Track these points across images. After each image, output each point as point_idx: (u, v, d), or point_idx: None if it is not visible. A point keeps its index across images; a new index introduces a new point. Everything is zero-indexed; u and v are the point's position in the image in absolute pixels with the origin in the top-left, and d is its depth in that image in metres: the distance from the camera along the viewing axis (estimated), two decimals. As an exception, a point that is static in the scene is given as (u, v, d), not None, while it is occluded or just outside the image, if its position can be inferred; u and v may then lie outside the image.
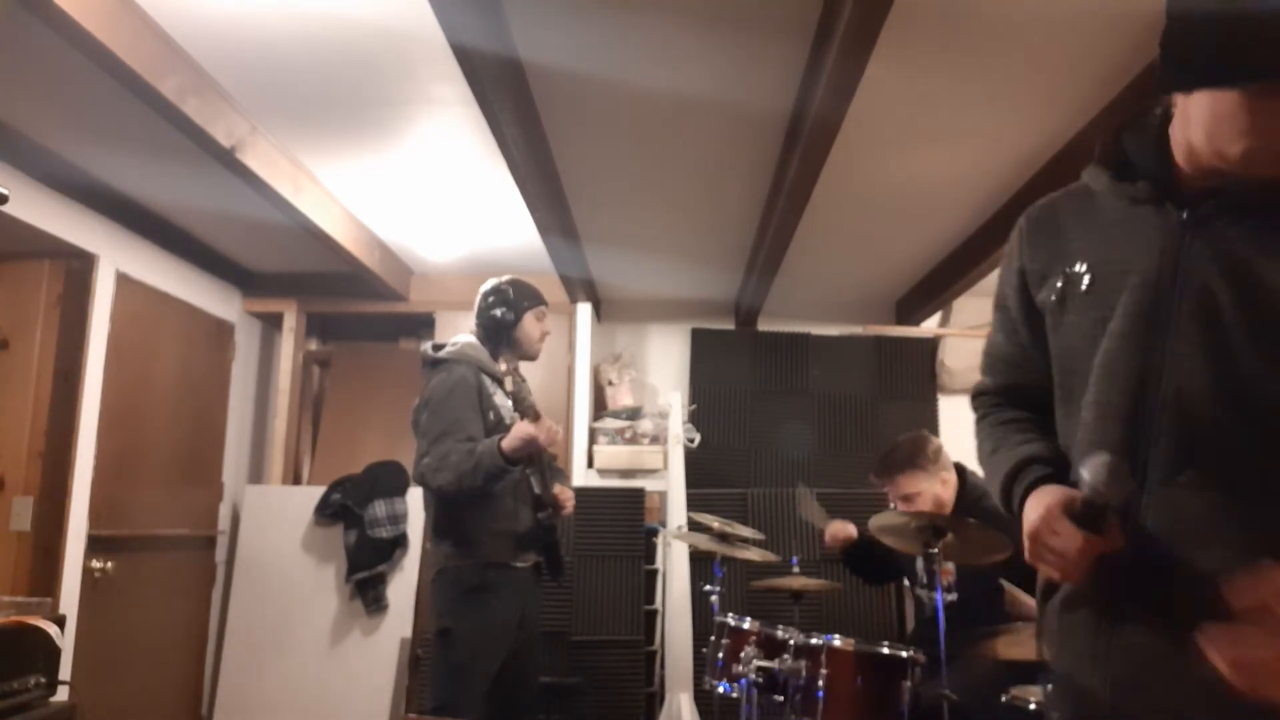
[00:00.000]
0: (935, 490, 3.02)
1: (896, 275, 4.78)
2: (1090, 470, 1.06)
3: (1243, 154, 1.06)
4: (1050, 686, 1.33)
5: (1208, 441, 1.12)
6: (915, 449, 3.05)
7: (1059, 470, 1.25)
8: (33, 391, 3.67)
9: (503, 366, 2.82)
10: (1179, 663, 1.09)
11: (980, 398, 1.50)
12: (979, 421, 1.47)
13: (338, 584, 4.56)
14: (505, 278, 3.05)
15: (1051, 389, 1.34)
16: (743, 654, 2.83)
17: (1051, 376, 1.32)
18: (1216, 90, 1.06)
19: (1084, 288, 1.24)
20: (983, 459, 1.41)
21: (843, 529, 3.40)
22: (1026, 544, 1.19)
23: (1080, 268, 1.25)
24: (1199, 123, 1.10)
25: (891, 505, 4.27)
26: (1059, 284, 1.28)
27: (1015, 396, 1.43)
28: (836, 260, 4.51)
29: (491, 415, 2.84)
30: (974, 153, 3.22)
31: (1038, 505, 1.18)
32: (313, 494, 4.69)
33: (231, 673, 4.49)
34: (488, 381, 2.88)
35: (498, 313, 2.95)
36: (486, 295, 2.99)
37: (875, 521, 2.87)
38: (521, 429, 2.67)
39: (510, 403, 2.89)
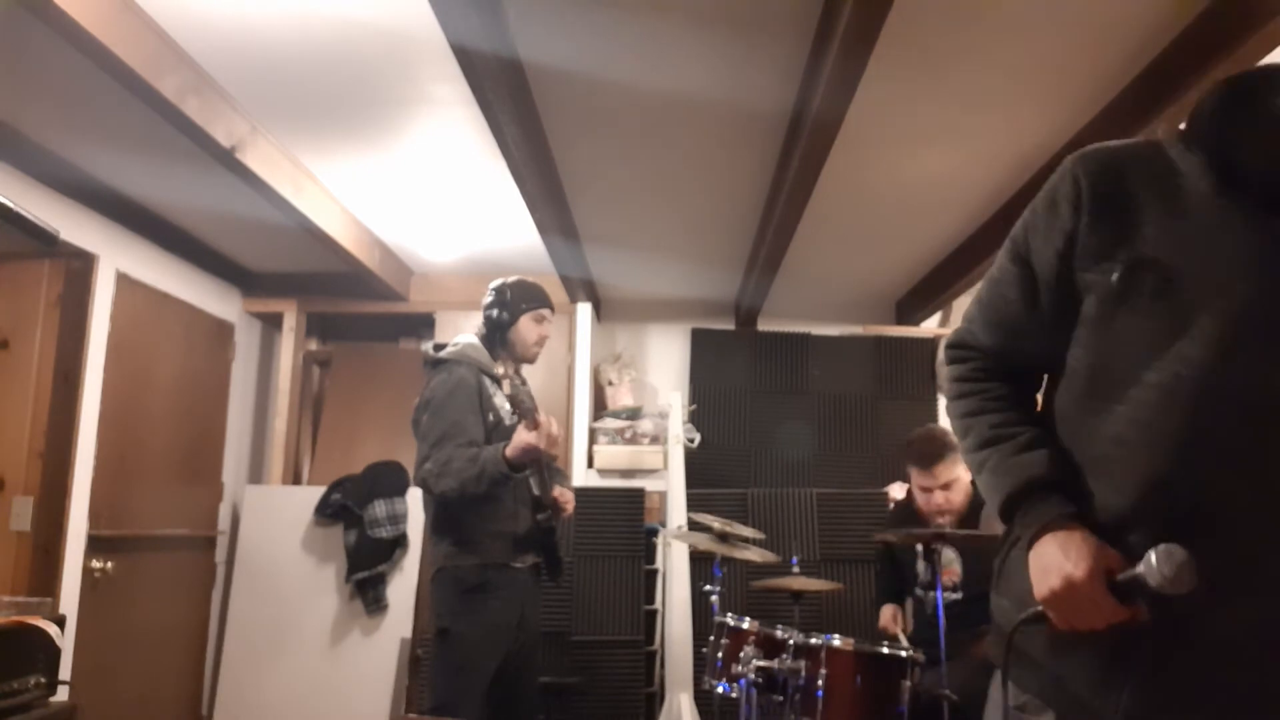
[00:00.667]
0: (963, 475, 3.03)
1: (896, 275, 4.78)
2: (1163, 561, 1.01)
3: None
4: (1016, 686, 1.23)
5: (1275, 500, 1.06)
6: (944, 437, 3.06)
7: (1070, 495, 1.15)
8: (33, 391, 3.67)
9: (500, 370, 2.81)
10: (1205, 691, 1.07)
11: (963, 350, 1.32)
12: (960, 381, 1.29)
13: (338, 584, 4.56)
14: (512, 278, 3.01)
15: (1045, 367, 1.24)
16: (742, 654, 2.83)
17: (1053, 354, 1.21)
18: None
19: (1152, 286, 1.09)
20: (970, 434, 1.25)
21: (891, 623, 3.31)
22: (1049, 594, 1.10)
23: (1151, 260, 1.10)
24: None
25: (890, 505, 4.27)
26: (1118, 272, 1.11)
27: (1005, 364, 1.29)
28: (836, 260, 4.51)
29: (491, 417, 2.83)
30: (974, 153, 3.22)
31: (1072, 560, 1.08)
32: (313, 494, 4.69)
33: (231, 673, 4.49)
34: (488, 383, 2.87)
35: (494, 313, 2.93)
36: (488, 294, 2.99)
37: (881, 533, 2.89)
38: (522, 438, 2.64)
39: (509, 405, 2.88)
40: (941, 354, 1.24)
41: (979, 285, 1.33)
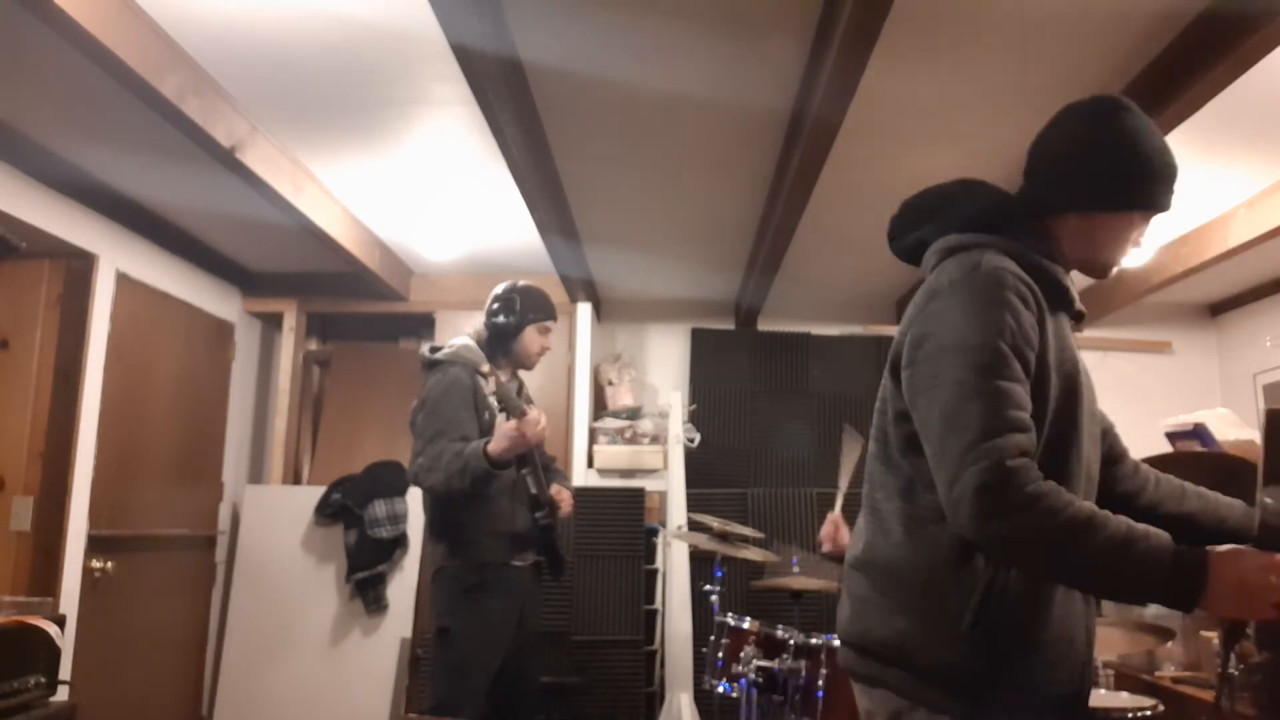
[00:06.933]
0: None
1: (896, 275, 4.78)
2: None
3: None
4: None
5: None
6: None
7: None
8: (33, 391, 3.67)
9: (485, 368, 2.80)
10: None
11: (1030, 460, 1.27)
12: (1056, 493, 1.23)
13: (338, 584, 4.56)
14: (520, 283, 3.00)
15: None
16: (742, 654, 2.83)
17: None
18: None
19: (1071, 385, 1.45)
20: (1102, 530, 1.21)
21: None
22: (1261, 603, 1.20)
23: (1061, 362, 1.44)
24: None
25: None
26: (1063, 369, 1.43)
27: None
28: (836, 260, 4.51)
29: (487, 415, 2.84)
30: (974, 153, 3.22)
31: (1250, 563, 1.20)
32: (313, 494, 4.69)
33: (231, 673, 4.49)
34: (483, 382, 2.88)
35: (500, 319, 2.93)
36: (494, 299, 2.98)
37: None
38: (504, 429, 2.64)
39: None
40: (1002, 479, 1.23)
41: (972, 398, 1.29)
